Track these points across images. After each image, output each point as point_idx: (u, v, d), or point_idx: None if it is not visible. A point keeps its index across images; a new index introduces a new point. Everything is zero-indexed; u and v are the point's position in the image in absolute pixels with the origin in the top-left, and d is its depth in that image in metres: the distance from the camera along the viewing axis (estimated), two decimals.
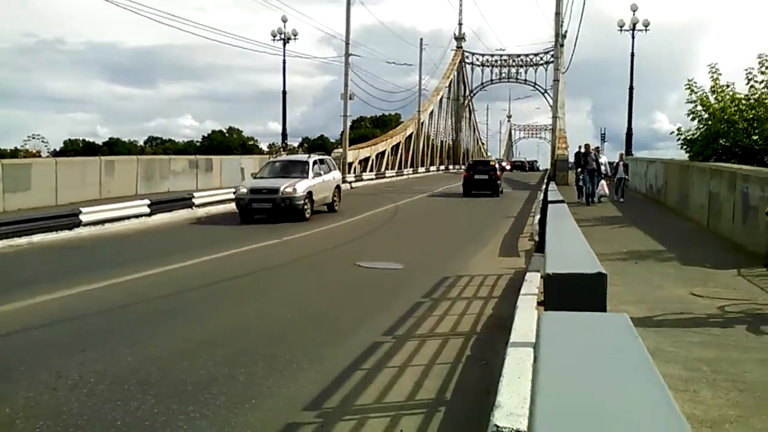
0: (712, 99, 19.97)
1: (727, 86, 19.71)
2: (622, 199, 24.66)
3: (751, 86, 18.75)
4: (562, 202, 8.13)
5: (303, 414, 5.06)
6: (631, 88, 39.09)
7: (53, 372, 5.88)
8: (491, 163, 36.20)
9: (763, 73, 18.42)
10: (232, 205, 23.39)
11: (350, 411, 5.12)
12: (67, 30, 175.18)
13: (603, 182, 24.59)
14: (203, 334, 7.37)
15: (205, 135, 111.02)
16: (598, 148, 29.15)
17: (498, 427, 4.11)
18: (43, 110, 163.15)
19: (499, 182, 33.44)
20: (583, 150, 25.77)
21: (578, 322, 1.25)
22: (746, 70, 18.80)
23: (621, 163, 26.22)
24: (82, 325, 7.72)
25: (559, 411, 0.61)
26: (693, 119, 20.76)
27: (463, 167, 70.93)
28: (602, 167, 25.21)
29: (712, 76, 19.86)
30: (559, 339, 1.02)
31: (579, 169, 25.64)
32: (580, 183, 25.37)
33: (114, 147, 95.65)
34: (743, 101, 19.20)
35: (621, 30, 39.77)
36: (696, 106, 20.38)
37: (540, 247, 12.65)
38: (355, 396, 5.43)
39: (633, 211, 21.12)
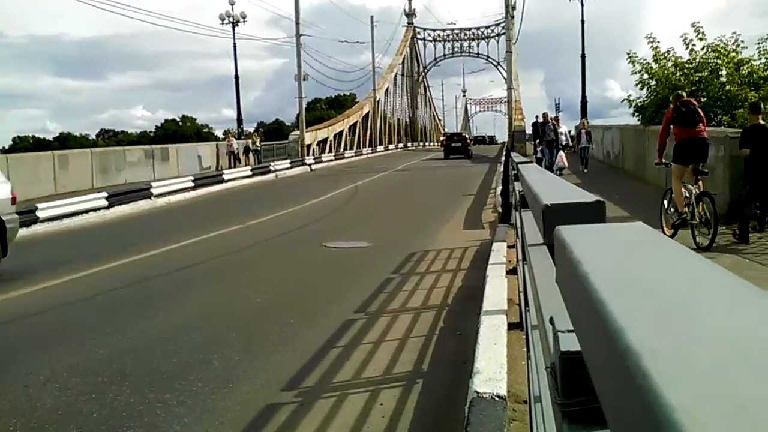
0: (655, 66, 20.37)
1: (668, 52, 20.15)
2: (586, 170, 23.83)
3: (691, 50, 19.21)
4: (530, 162, 8.27)
5: (282, 395, 5.05)
6: (583, 56, 39.62)
7: (23, 369, 5.76)
8: (463, 134, 56.89)
9: (701, 39, 18.87)
10: (193, 194, 23.21)
11: (329, 389, 5.12)
12: (4, 23, 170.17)
13: (561, 154, 23.10)
14: (174, 322, 7.28)
15: (159, 125, 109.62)
16: (557, 117, 27.94)
17: (478, 393, 4.16)
18: None
19: (469, 147, 48.47)
20: (540, 119, 24.35)
21: (601, 231, 1.23)
22: (682, 36, 19.25)
23: (583, 131, 25.38)
24: (49, 321, 7.55)
25: (647, 315, 0.60)
26: (641, 88, 21.18)
27: (421, 144, 73.22)
28: (562, 137, 24.16)
29: (651, 46, 20.34)
30: (593, 245, 1.00)
31: (537, 140, 24.27)
32: (539, 155, 23.84)
33: (66, 142, 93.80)
34: (686, 65, 19.61)
35: None
36: (642, 74, 20.76)
37: (504, 217, 12.79)
38: (332, 374, 5.43)
39: (593, 179, 21.42)
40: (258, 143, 39.05)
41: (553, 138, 23.33)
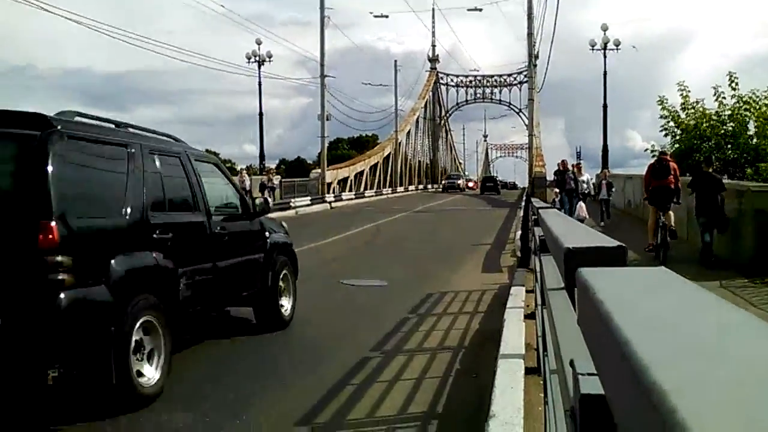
0: (683, 115, 20.43)
1: (697, 102, 20.21)
2: (603, 223, 22.15)
3: (720, 103, 19.27)
4: (551, 207, 8.36)
5: (296, 429, 5.05)
6: (605, 106, 39.74)
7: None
8: (494, 177, 79.19)
9: (734, 89, 18.91)
10: None
11: (343, 425, 5.12)
12: (36, 55, 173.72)
13: (582, 204, 20.51)
14: (186, 351, 7.32)
15: None
16: (578, 164, 25.62)
17: None
18: None
19: (498, 186, 67.51)
20: (561, 168, 23.02)
21: (623, 274, 1.26)
22: (714, 87, 19.35)
23: (604, 181, 23.42)
24: None
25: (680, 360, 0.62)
26: (666, 135, 21.15)
27: (440, 186, 75.01)
28: (583, 185, 22.65)
29: (681, 94, 20.38)
30: (616, 287, 1.03)
31: (557, 190, 22.80)
32: (557, 205, 21.00)
33: None
34: (714, 117, 19.64)
35: (593, 49, 40.47)
36: (669, 122, 20.79)
37: (523, 262, 12.76)
38: (347, 410, 5.42)
39: (611, 228, 21.19)
40: (274, 181, 39.11)
41: (573, 187, 22.14)
